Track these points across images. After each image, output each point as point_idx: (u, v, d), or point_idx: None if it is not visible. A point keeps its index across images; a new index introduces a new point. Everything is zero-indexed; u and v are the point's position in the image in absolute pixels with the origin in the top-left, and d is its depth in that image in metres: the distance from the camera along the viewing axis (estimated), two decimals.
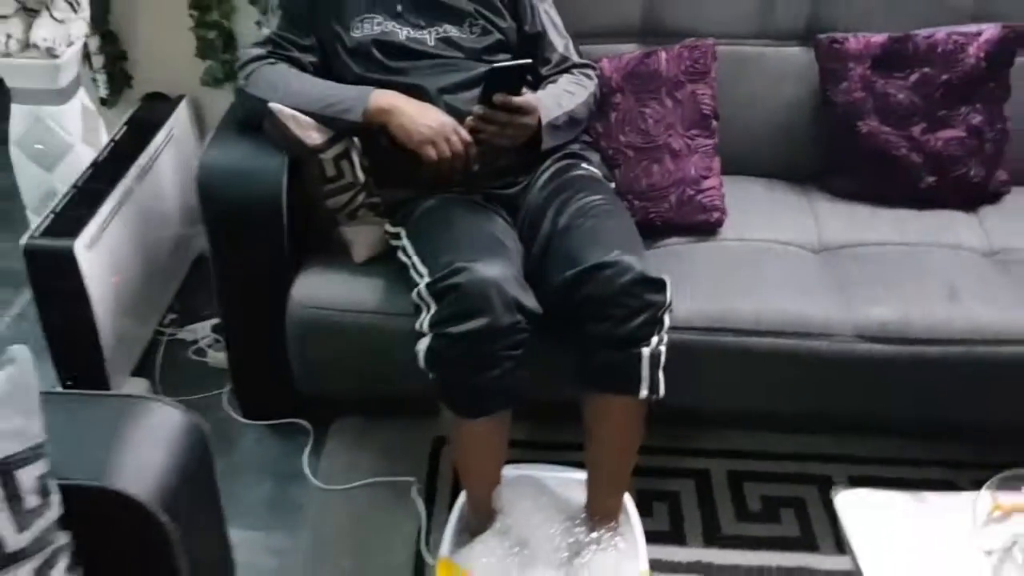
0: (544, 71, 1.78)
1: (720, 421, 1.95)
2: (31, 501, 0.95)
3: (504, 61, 1.65)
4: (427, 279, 1.47)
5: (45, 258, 1.74)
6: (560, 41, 1.81)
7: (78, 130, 2.05)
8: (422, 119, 1.59)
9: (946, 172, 1.93)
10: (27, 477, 0.94)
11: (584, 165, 1.75)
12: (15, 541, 0.93)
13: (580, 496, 1.64)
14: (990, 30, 1.89)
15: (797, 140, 2.03)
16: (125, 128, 2.16)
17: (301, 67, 1.72)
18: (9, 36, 1.91)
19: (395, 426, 1.94)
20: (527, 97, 1.62)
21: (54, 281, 1.76)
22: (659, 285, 1.48)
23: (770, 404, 1.76)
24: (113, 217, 1.89)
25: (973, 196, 1.97)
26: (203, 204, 1.65)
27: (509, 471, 1.65)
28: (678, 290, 1.55)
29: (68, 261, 1.73)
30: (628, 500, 1.67)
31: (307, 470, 1.86)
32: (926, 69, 1.90)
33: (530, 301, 1.47)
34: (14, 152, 2.05)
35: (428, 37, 1.72)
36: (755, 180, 2.03)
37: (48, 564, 0.97)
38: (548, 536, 1.57)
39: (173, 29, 2.24)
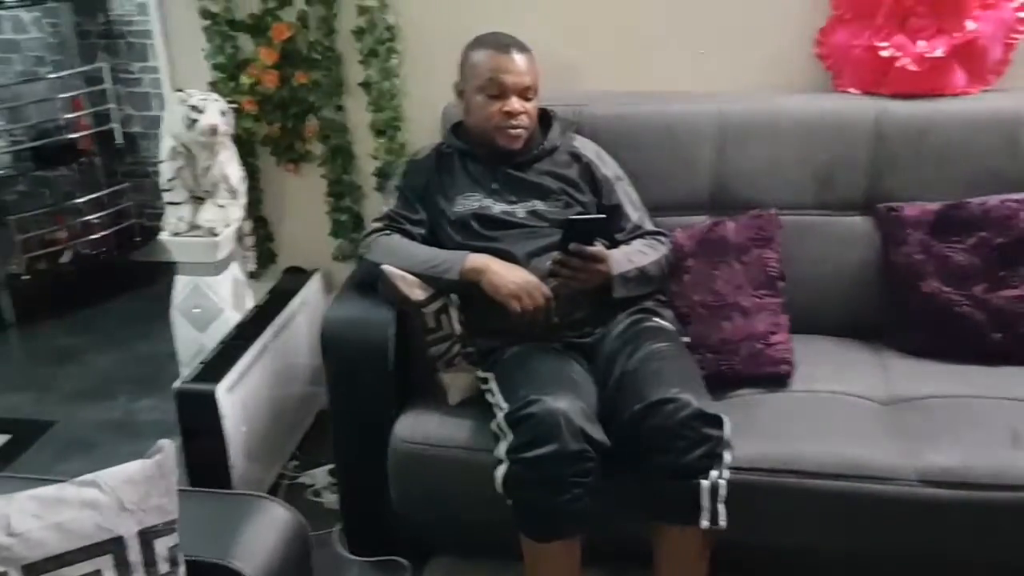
0: (619, 237, 2.01)
1: (787, 570, 1.99)
2: (163, 567, 1.16)
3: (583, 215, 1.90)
4: (506, 410, 1.67)
5: (192, 400, 2.04)
6: (635, 214, 2.06)
7: (228, 297, 2.41)
8: (510, 276, 1.85)
9: (1013, 328, 2.00)
10: (162, 547, 1.16)
11: (655, 319, 1.94)
12: None
13: None
14: None
15: (863, 299, 2.15)
16: (268, 296, 2.52)
17: (412, 237, 2.01)
18: (180, 219, 2.32)
19: (481, 568, 2.07)
20: (599, 248, 1.85)
21: (198, 420, 2.05)
22: (716, 421, 1.63)
23: (829, 543, 1.80)
24: (251, 368, 2.20)
25: None
26: (325, 349, 1.93)
27: None
28: (745, 435, 1.70)
29: (210, 402, 2.03)
30: None
31: None
32: (982, 233, 2.02)
33: (598, 433, 1.64)
34: (174, 315, 2.43)
35: (518, 210, 1.99)
36: (825, 338, 2.13)
37: None
38: None
39: (312, 213, 2.61)
